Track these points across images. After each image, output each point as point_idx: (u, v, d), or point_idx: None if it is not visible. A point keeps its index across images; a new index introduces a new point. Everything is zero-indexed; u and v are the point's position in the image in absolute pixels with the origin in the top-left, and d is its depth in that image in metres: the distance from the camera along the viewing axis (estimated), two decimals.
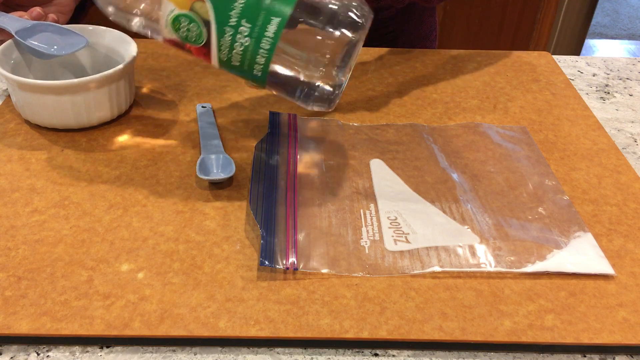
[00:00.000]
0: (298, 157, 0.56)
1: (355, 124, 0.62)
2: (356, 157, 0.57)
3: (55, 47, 0.60)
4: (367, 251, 0.46)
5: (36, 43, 0.60)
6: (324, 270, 0.44)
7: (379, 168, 0.55)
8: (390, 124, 0.62)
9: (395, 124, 0.62)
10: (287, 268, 0.44)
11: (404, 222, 0.49)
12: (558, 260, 0.46)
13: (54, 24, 0.62)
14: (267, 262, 0.44)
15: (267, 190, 0.51)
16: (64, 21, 0.66)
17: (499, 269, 0.45)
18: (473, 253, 0.46)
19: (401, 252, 0.46)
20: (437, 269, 0.45)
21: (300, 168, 0.54)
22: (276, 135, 0.58)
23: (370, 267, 0.45)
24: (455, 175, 0.55)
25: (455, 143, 0.59)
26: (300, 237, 0.47)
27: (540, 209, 0.51)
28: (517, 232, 0.49)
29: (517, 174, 0.55)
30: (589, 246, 0.48)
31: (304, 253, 0.45)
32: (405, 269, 0.45)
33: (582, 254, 0.47)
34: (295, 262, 0.45)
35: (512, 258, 0.46)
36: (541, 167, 0.56)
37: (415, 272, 0.45)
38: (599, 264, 0.46)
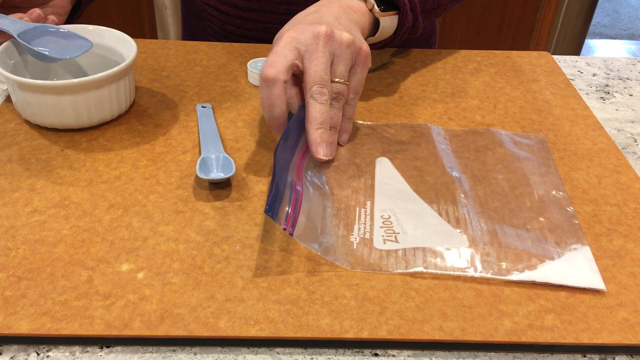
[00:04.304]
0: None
1: (368, 123, 0.62)
2: (363, 155, 0.57)
3: (60, 50, 0.60)
4: (354, 247, 0.46)
5: (40, 46, 0.59)
6: (315, 248, 0.45)
7: (384, 167, 0.55)
8: (405, 123, 0.62)
9: (410, 124, 0.62)
10: (285, 229, 0.44)
11: (397, 221, 0.49)
12: (547, 271, 0.45)
13: (55, 26, 0.61)
14: (270, 214, 0.43)
15: (286, 154, 0.51)
16: (60, 22, 0.66)
17: (484, 274, 0.45)
18: (460, 257, 0.46)
19: (388, 251, 0.46)
20: (420, 269, 0.45)
21: (307, 160, 0.55)
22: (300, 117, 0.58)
23: (355, 261, 0.45)
24: (459, 178, 0.54)
25: (466, 147, 0.59)
26: (300, 217, 0.47)
27: (541, 219, 0.50)
28: (511, 239, 0.48)
29: (524, 182, 0.54)
30: (583, 260, 0.46)
31: (297, 231, 0.46)
32: (390, 267, 0.45)
33: (573, 267, 0.46)
34: (292, 230, 0.45)
35: (499, 265, 0.45)
36: (552, 177, 0.55)
37: (399, 271, 0.45)
38: (590, 278, 0.45)
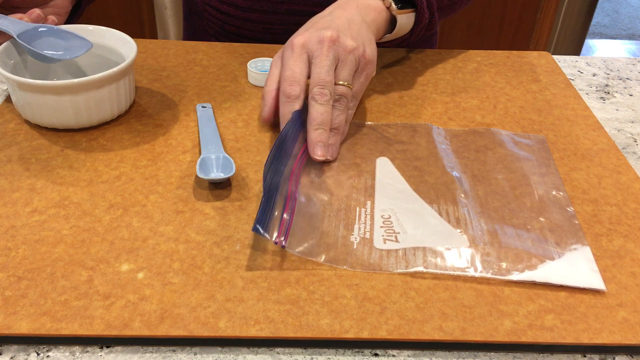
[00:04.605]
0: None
1: (368, 123, 0.62)
2: (363, 155, 0.57)
3: (59, 51, 0.60)
4: (354, 247, 0.46)
5: (40, 47, 0.59)
6: (310, 258, 0.45)
7: (384, 166, 0.55)
8: (405, 123, 0.62)
9: (411, 124, 0.62)
10: (276, 243, 0.45)
11: (397, 221, 0.49)
12: (547, 271, 0.45)
13: (55, 26, 0.61)
14: (260, 229, 0.44)
15: (279, 163, 0.51)
16: (60, 22, 0.66)
17: (484, 274, 0.45)
18: (460, 257, 0.46)
19: (388, 250, 0.46)
20: (421, 269, 0.45)
21: (308, 159, 0.55)
22: (302, 118, 0.58)
23: (355, 261, 0.45)
24: (459, 178, 0.54)
25: (466, 147, 0.59)
26: (295, 220, 0.47)
27: (541, 219, 0.50)
28: (511, 239, 0.48)
29: (524, 182, 0.54)
30: (583, 260, 0.46)
31: (295, 238, 0.46)
32: (390, 267, 0.45)
33: (573, 267, 0.46)
34: (284, 242, 0.45)
35: (499, 265, 0.45)
36: (552, 177, 0.55)
37: (399, 270, 0.45)
38: (590, 278, 0.45)
